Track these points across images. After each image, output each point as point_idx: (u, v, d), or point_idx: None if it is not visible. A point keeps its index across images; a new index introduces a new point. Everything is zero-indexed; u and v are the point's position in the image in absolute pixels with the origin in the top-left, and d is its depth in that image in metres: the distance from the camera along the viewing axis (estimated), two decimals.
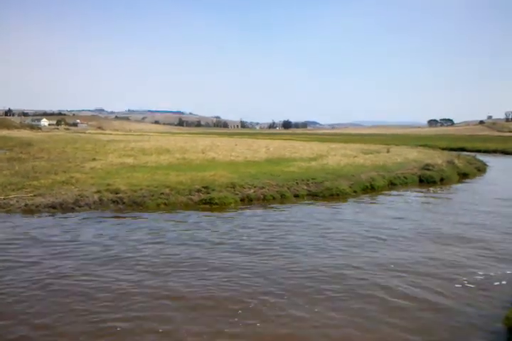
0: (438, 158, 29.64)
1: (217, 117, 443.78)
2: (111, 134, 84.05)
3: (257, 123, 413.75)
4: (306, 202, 17.46)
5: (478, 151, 50.79)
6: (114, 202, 15.55)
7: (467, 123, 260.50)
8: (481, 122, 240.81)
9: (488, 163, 33.90)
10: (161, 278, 8.59)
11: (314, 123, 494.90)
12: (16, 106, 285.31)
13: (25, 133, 72.38)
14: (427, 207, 17.21)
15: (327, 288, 8.15)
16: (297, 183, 19.21)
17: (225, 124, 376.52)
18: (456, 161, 28.67)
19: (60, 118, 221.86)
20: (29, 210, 14.43)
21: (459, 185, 23.47)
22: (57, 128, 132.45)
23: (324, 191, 18.72)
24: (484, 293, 7.92)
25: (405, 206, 17.19)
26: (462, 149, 52.75)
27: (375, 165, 25.72)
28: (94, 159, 25.57)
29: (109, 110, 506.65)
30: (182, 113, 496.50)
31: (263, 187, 18.10)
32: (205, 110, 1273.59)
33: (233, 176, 19.54)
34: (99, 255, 9.96)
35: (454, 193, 20.89)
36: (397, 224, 13.63)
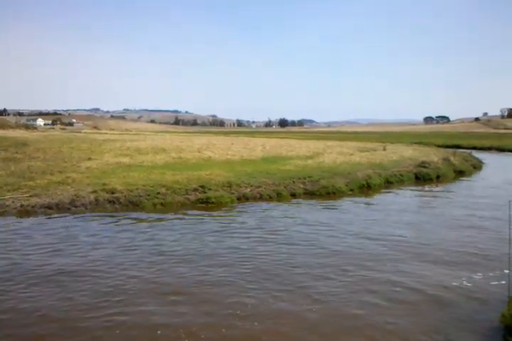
0: (434, 156, 29.72)
1: (214, 116, 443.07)
2: (106, 133, 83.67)
3: (254, 122, 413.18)
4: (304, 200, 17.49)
5: (474, 148, 50.96)
6: (110, 202, 15.53)
7: (463, 121, 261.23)
8: (477, 119, 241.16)
9: (483, 160, 34.02)
10: None
11: (311, 121, 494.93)
12: (11, 106, 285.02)
13: (20, 133, 71.89)
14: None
15: None
16: (293, 182, 19.23)
17: (221, 123, 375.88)
18: (451, 158, 28.77)
19: (55, 117, 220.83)
20: (25, 211, 14.40)
21: (455, 183, 23.56)
22: (53, 128, 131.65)
23: (321, 189, 18.75)
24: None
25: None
26: (458, 146, 52.85)
27: (371, 163, 25.76)
28: (89, 159, 25.48)
29: (105, 109, 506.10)
30: (178, 112, 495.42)
31: (259, 186, 18.12)
32: (202, 109, 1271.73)
33: (229, 175, 19.53)
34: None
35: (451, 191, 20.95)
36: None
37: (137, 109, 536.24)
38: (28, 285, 8.31)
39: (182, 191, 16.73)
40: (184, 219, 14.00)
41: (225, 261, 9.70)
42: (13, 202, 14.91)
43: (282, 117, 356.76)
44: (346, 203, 17.14)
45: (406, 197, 19.23)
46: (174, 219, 13.94)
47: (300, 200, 17.43)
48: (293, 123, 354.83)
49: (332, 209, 16.06)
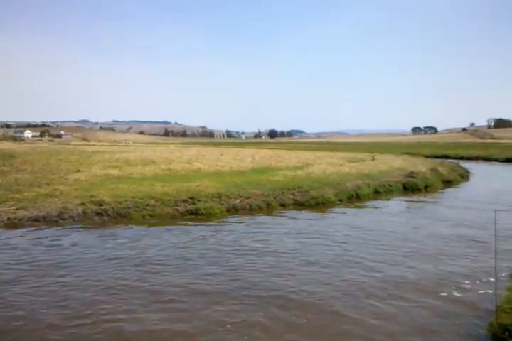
0: (422, 166, 30.00)
1: (203, 127, 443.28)
2: (95, 145, 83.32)
3: (243, 133, 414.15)
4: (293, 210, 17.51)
5: (461, 158, 51.61)
6: (98, 214, 15.42)
7: (450, 131, 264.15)
8: (464, 129, 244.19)
9: (470, 170, 34.40)
10: None
11: (300, 131, 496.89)
12: None
13: (7, 145, 71.26)
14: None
15: None
16: (283, 192, 19.26)
17: (211, 134, 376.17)
18: (439, 169, 29.06)
19: (43, 129, 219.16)
20: (12, 224, 14.23)
21: (443, 192, 23.78)
22: (41, 140, 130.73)
23: (310, 200, 18.79)
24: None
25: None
26: (446, 156, 53.48)
27: (361, 173, 25.91)
28: (78, 171, 25.31)
29: (94, 121, 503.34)
30: (168, 123, 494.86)
31: (249, 197, 18.12)
32: (191, 120, 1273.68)
33: (219, 186, 19.52)
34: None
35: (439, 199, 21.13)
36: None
37: (126, 120, 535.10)
38: None
39: (171, 202, 16.67)
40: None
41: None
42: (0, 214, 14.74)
43: (272, 128, 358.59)
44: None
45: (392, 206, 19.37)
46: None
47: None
48: (282, 134, 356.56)
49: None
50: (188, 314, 7.56)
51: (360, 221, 15.71)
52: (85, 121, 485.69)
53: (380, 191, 22.44)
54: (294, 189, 19.81)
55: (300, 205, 18.43)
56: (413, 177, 25.00)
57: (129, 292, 8.57)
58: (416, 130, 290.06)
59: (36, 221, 14.58)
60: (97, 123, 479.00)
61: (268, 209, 17.65)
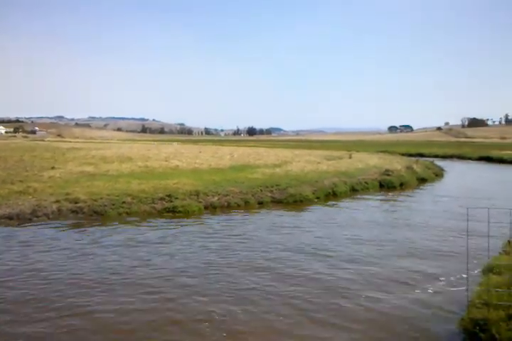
0: (397, 164, 30.48)
1: (182, 124, 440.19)
2: (70, 142, 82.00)
3: (222, 130, 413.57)
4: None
5: (436, 156, 52.71)
6: (73, 211, 15.20)
7: (425, 130, 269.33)
8: (439, 128, 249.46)
9: (445, 168, 35.11)
10: None
11: (279, 129, 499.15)
12: None
13: None
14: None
15: None
16: (261, 190, 19.31)
17: (189, 131, 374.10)
18: (414, 167, 29.56)
19: (17, 125, 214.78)
20: None
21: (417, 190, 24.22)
22: (15, 136, 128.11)
23: (288, 197, 18.88)
24: None
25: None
26: (421, 155, 54.47)
27: (338, 171, 26.17)
28: (53, 168, 24.85)
29: (70, 117, 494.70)
30: (145, 120, 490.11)
31: (227, 195, 18.11)
32: (169, 117, 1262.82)
33: (197, 184, 19.44)
34: None
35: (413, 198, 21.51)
36: None
37: (103, 116, 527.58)
38: None
39: (148, 200, 16.53)
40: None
41: None
42: None
43: (251, 125, 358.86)
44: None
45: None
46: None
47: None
48: (261, 132, 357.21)
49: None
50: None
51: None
52: (61, 117, 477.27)
53: (357, 189, 22.71)
54: (272, 186, 19.88)
55: (278, 203, 18.51)
56: (389, 175, 25.38)
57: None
58: (392, 128, 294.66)
59: (9, 218, 14.27)
60: (72, 119, 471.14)
61: (246, 206, 17.67)
